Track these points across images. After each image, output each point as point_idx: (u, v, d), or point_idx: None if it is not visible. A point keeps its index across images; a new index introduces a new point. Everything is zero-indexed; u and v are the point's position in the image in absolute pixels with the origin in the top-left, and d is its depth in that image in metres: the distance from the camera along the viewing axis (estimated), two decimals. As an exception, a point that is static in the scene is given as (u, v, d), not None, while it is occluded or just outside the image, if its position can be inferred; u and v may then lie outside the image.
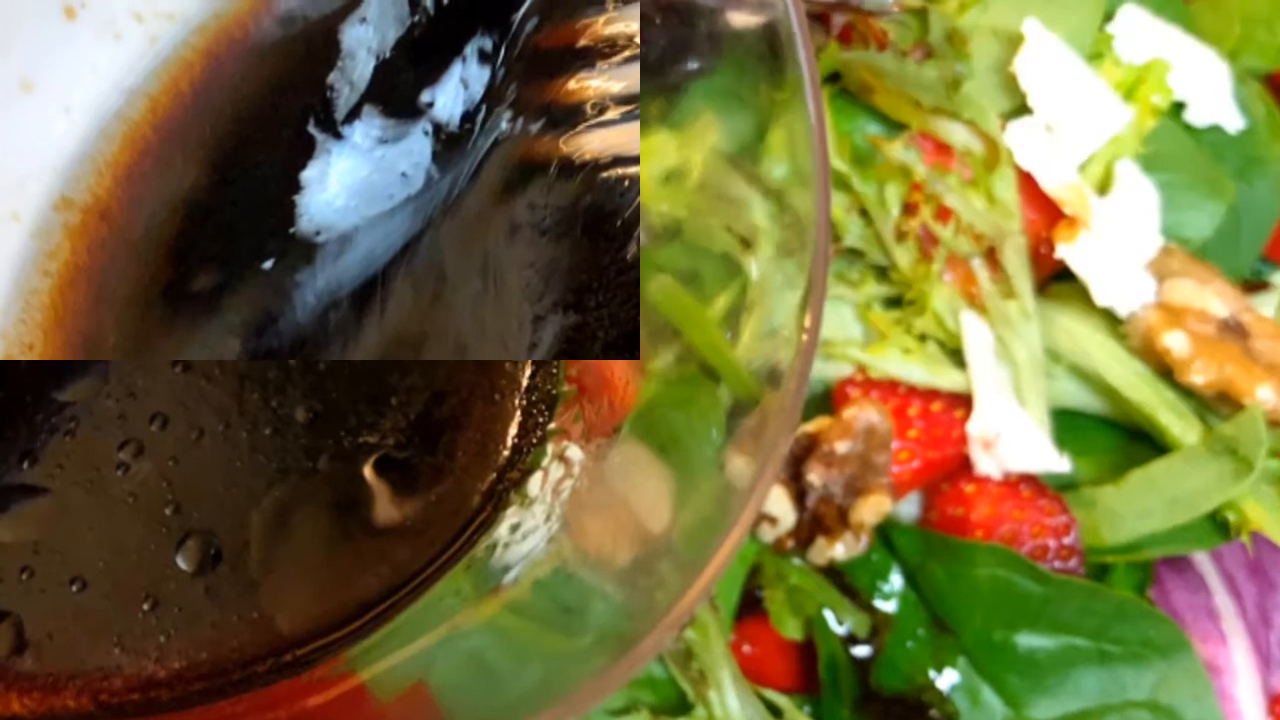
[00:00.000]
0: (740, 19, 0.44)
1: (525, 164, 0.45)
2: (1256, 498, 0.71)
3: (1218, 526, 0.73)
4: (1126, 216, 0.74)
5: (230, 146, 0.46)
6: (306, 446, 0.47)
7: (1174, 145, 0.78)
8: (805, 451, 0.72)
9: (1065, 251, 0.72)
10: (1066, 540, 0.72)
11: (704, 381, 0.46)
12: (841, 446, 0.70)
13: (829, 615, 0.73)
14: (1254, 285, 0.81)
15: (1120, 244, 0.73)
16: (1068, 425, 0.75)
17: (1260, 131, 0.80)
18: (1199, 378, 0.71)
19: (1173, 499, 0.72)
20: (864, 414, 0.71)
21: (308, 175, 0.45)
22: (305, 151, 0.45)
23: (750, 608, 0.74)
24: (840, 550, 0.70)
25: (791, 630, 0.73)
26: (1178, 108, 0.79)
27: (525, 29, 0.46)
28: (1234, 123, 0.80)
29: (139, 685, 0.44)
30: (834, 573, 0.73)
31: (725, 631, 0.72)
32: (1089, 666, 0.71)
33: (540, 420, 0.50)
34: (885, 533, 0.75)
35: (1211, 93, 0.79)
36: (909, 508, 0.76)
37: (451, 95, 0.46)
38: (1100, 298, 0.72)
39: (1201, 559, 0.77)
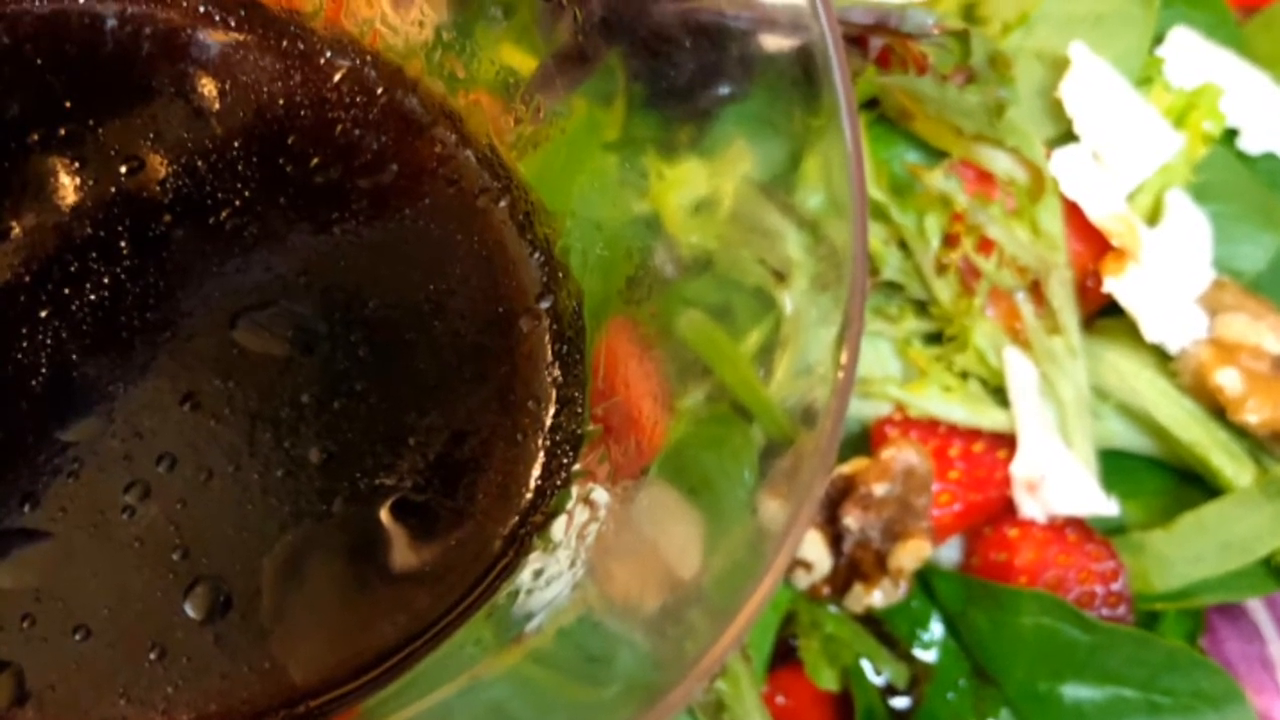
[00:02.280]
0: (774, 42, 0.42)
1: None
2: (1314, 543, 0.69)
3: (1273, 572, 0.71)
4: (1177, 248, 0.71)
5: None
6: (320, 489, 0.45)
7: (1226, 174, 0.75)
8: (841, 494, 0.70)
9: (1113, 285, 0.70)
10: (1114, 587, 0.70)
11: (735, 421, 0.44)
12: (879, 489, 0.69)
13: (866, 665, 0.71)
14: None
15: (1170, 277, 0.70)
16: (1116, 466, 0.73)
17: (1316, 160, 0.78)
18: (1252, 417, 0.69)
19: (1225, 543, 0.70)
20: (902, 455, 0.69)
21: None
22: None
23: (784, 657, 0.73)
24: (878, 597, 0.69)
25: (827, 681, 0.71)
26: (1230, 135, 0.77)
27: None
28: (1288, 151, 0.77)
29: (145, 739, 0.42)
30: (872, 621, 0.72)
31: (758, 682, 0.70)
32: (1138, 718, 0.68)
33: (565, 461, 0.48)
34: (925, 579, 0.73)
35: (1266, 119, 0.77)
36: (950, 552, 0.74)
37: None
38: (1150, 333, 0.70)
39: (1256, 607, 0.74)
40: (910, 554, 0.68)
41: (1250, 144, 0.77)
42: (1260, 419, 0.69)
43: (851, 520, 0.69)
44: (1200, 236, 0.73)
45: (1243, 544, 0.69)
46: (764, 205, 0.45)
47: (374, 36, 0.49)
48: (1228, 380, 0.69)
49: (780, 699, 0.72)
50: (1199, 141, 0.74)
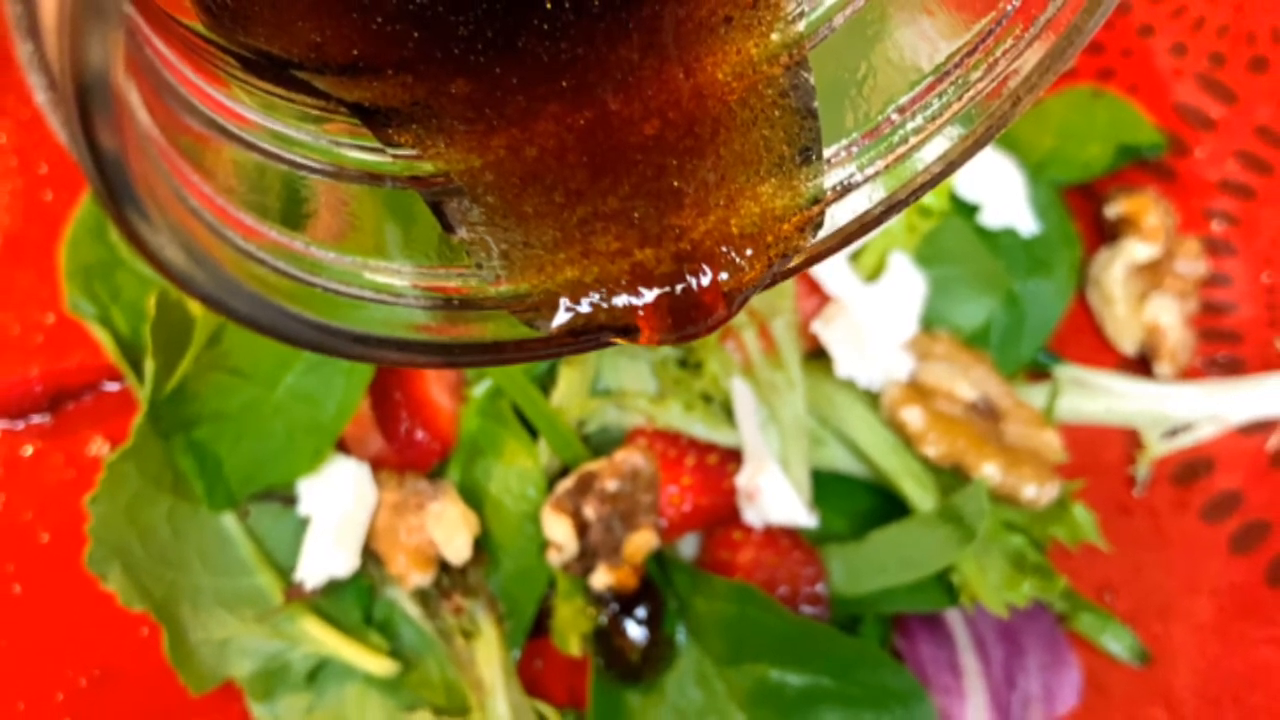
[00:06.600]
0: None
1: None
2: (980, 565, 0.79)
3: (947, 589, 0.81)
4: (889, 301, 0.82)
5: None
6: None
7: (957, 242, 0.86)
8: (582, 487, 0.80)
9: (818, 327, 0.81)
10: (815, 588, 0.81)
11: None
12: (611, 484, 0.79)
13: (603, 637, 0.81)
14: (1038, 374, 0.88)
15: (876, 325, 0.81)
16: (836, 486, 0.84)
17: (1052, 236, 0.88)
18: (931, 450, 0.79)
19: (905, 559, 0.79)
20: (631, 457, 0.80)
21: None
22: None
23: (546, 627, 0.83)
24: (615, 579, 0.79)
25: (572, 646, 0.81)
26: (972, 209, 0.87)
27: None
28: (1028, 227, 0.87)
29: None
30: (617, 598, 0.81)
31: (509, 643, 0.81)
32: (834, 706, 0.78)
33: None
34: (666, 568, 0.83)
35: (1005, 198, 0.87)
36: (688, 548, 0.85)
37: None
38: (840, 370, 0.80)
39: (954, 618, 0.84)
40: (639, 543, 0.79)
41: (990, 219, 0.87)
42: (937, 452, 0.79)
43: (590, 510, 0.79)
44: (914, 293, 0.83)
45: (920, 560, 0.79)
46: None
47: None
48: (911, 417, 0.79)
49: (538, 663, 0.83)
50: (915, 212, 0.84)
